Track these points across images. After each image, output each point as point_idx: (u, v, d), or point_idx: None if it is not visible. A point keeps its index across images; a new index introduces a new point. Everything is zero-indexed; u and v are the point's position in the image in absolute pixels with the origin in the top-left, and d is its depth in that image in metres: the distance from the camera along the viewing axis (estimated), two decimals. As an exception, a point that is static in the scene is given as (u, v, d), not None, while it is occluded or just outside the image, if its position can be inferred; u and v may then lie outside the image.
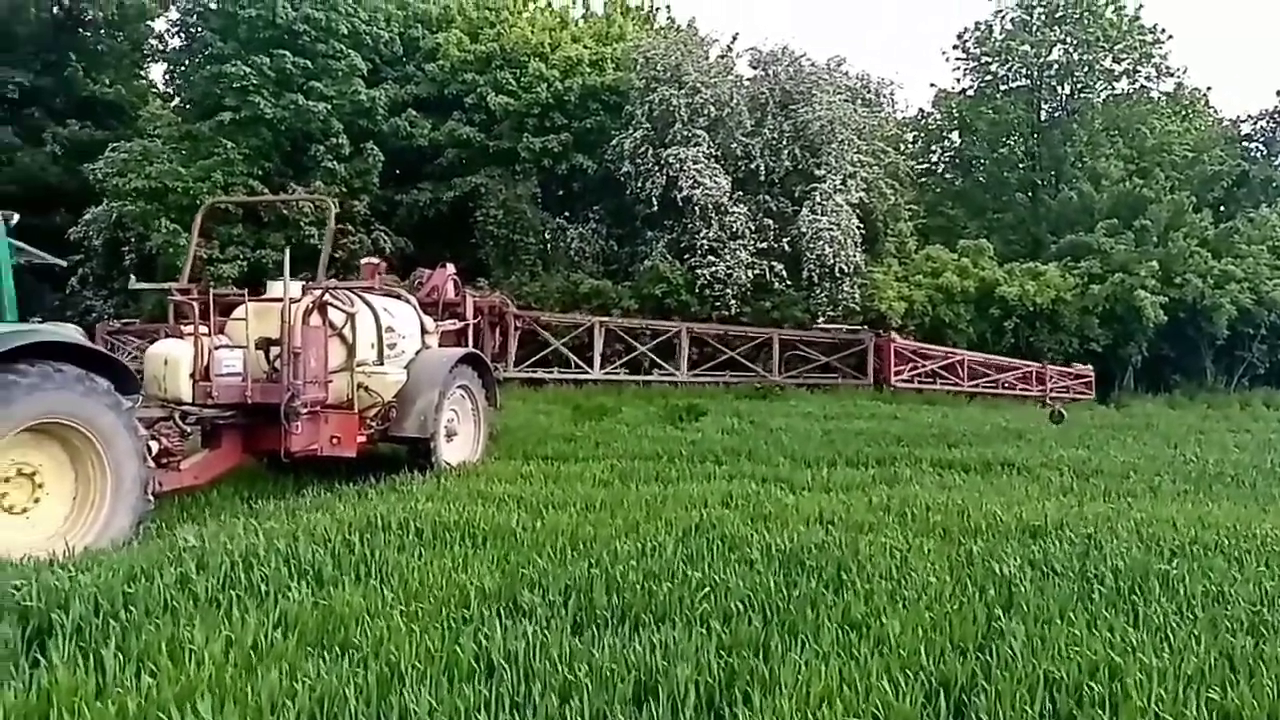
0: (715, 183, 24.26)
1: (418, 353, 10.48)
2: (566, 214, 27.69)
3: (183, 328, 8.97)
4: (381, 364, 9.76)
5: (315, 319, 8.85)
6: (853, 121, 25.89)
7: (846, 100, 26.39)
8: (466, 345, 11.95)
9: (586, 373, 21.78)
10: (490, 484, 8.83)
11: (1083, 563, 5.90)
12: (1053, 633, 4.53)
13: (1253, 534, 6.82)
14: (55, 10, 29.28)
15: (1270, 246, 30.91)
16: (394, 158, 27.10)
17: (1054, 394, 25.11)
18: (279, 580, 5.20)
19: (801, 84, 25.91)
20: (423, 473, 9.45)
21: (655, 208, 25.14)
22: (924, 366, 24.54)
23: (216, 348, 8.65)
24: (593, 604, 4.91)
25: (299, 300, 8.83)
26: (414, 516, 6.85)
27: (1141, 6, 36.04)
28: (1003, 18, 36.32)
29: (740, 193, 25.19)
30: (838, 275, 24.50)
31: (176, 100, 29.93)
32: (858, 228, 24.74)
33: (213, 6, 25.37)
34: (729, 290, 24.09)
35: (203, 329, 8.60)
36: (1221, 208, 34.71)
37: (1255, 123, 38.81)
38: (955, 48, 37.51)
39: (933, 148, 40.11)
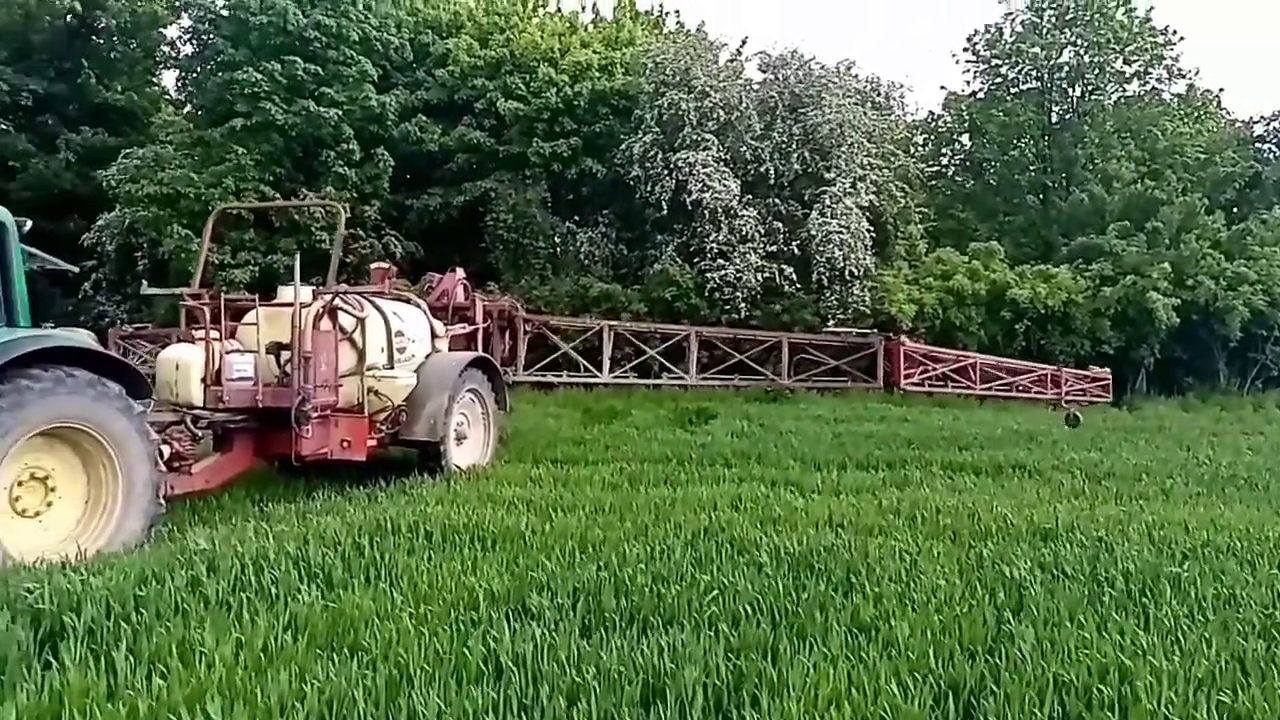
0: (725, 186, 24.27)
1: (428, 357, 10.50)
2: (576, 218, 27.73)
3: (194, 332, 9.01)
4: (391, 368, 9.79)
5: (326, 323, 8.88)
6: (862, 124, 25.87)
7: (856, 103, 26.36)
8: (476, 349, 11.97)
9: (596, 376, 21.80)
10: (500, 487, 8.85)
11: (1093, 566, 5.87)
12: (1062, 635, 4.51)
13: (1265, 536, 6.78)
14: (68, 18, 29.50)
15: (1283, 248, 30.74)
16: (404, 163, 27.22)
17: (1070, 397, 25.01)
18: (289, 583, 5.22)
19: (811, 87, 25.90)
20: (432, 476, 9.47)
21: (665, 211, 25.16)
22: (935, 370, 24.46)
23: (228, 352, 8.69)
24: (601, 607, 4.91)
25: (310, 305, 8.85)
26: (423, 520, 6.87)
27: (1153, 8, 36.10)
28: (1013, 20, 36.28)
29: (750, 196, 25.18)
30: (848, 278, 24.47)
31: (188, 107, 30.11)
32: (868, 231, 24.70)
33: (224, 14, 25.53)
34: (738, 293, 24.08)
35: (214, 334, 8.64)
36: (1234, 209, 34.52)
37: (1268, 124, 38.56)
38: (965, 50, 37.48)
39: (943, 150, 40.02)
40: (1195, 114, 38.13)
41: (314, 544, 6.02)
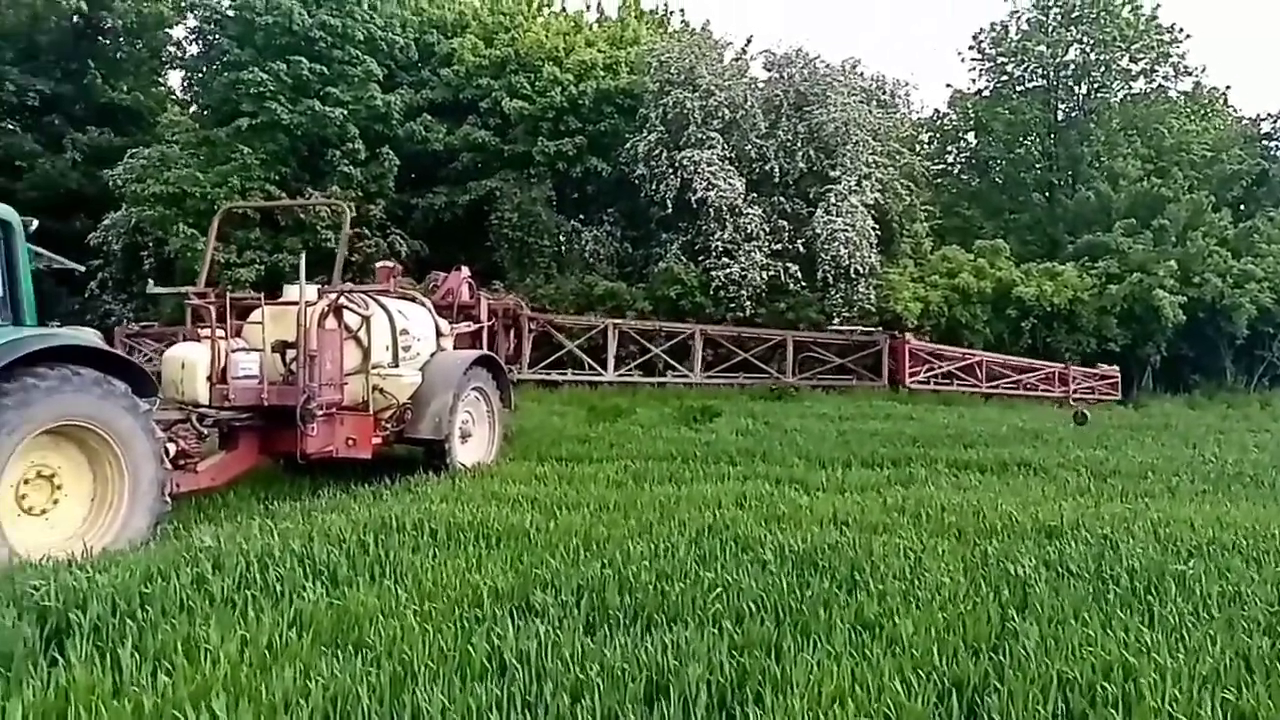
0: (729, 184, 24.27)
1: (433, 355, 10.53)
2: (581, 216, 27.75)
3: (200, 331, 9.05)
4: (396, 366, 9.82)
5: (331, 322, 8.91)
6: (868, 123, 25.86)
7: (861, 101, 26.37)
8: (481, 347, 12.00)
9: (601, 374, 21.81)
10: (504, 485, 8.86)
11: (1098, 563, 5.86)
12: (1067, 633, 4.51)
13: (1271, 534, 6.76)
14: (75, 19, 29.56)
15: (1290, 245, 30.64)
16: (409, 162, 27.25)
17: (1078, 395, 24.95)
18: (294, 580, 5.24)
19: (816, 86, 25.89)
20: (437, 474, 9.50)
21: (669, 210, 25.17)
22: (940, 368, 24.42)
23: (233, 351, 8.72)
24: (605, 604, 4.91)
25: (315, 303, 8.88)
26: (428, 517, 6.88)
27: (1159, 6, 35.86)
28: (1018, 18, 36.22)
29: (755, 194, 25.19)
30: (853, 276, 24.46)
31: (194, 106, 30.17)
32: (873, 229, 24.68)
33: (230, 14, 25.58)
34: (743, 292, 24.08)
35: (219, 332, 8.66)
36: (1241, 207, 34.45)
37: (1275, 121, 38.47)
38: (971, 48, 37.42)
39: (948, 148, 39.95)
40: (1202, 111, 38.00)
41: (319, 541, 6.04)
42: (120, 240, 25.31)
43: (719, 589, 5.15)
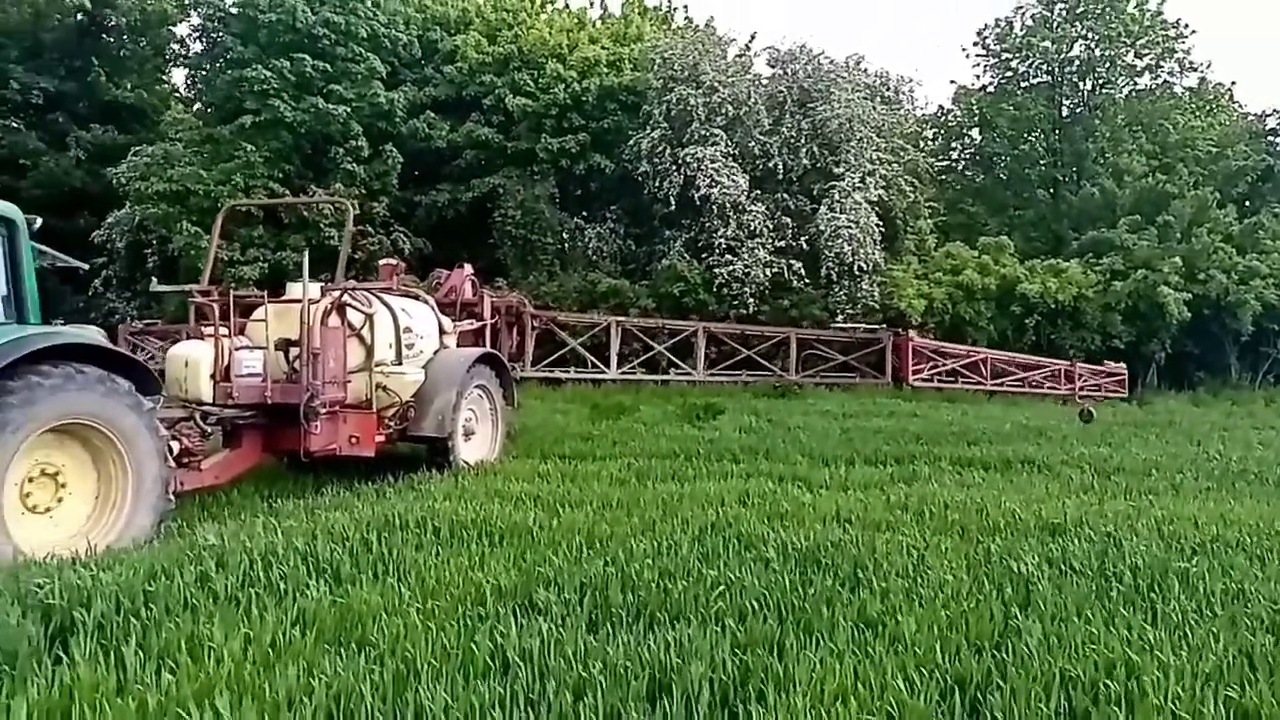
0: (733, 181, 24.25)
1: (436, 353, 10.53)
2: (584, 214, 27.75)
3: (203, 329, 9.05)
4: (400, 364, 9.81)
5: (334, 320, 8.90)
6: (872, 119, 25.83)
7: (865, 98, 26.34)
8: (484, 345, 11.98)
9: (604, 372, 21.82)
10: (507, 483, 8.86)
11: (1102, 561, 5.86)
12: (1070, 631, 4.51)
13: (1275, 531, 6.75)
14: (79, 16, 29.62)
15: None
16: (413, 159, 27.26)
17: (1085, 393, 24.90)
18: (297, 578, 5.24)
19: (820, 82, 25.87)
20: (440, 472, 9.49)
21: (673, 207, 25.16)
22: (944, 365, 24.40)
23: (237, 349, 8.72)
24: (608, 602, 4.91)
25: (318, 301, 8.88)
26: (431, 515, 6.89)
27: (1164, 1, 35.77)
28: (1023, 14, 36.19)
29: (758, 191, 25.16)
30: (856, 273, 24.44)
31: (198, 104, 30.24)
32: (877, 225, 24.67)
33: (233, 11, 25.61)
34: (747, 289, 24.07)
35: (223, 330, 8.67)
36: (1246, 203, 34.37)
37: (1280, 117, 38.39)
38: (975, 44, 37.43)
39: (953, 145, 39.93)
40: (1207, 107, 37.95)
41: (322, 539, 6.05)
42: (124, 238, 25.35)
43: (722, 587, 5.15)
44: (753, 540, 6.30)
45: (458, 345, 11.23)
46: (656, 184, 25.06)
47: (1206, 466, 10.89)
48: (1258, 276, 28.21)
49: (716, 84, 25.27)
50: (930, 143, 36.39)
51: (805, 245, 24.66)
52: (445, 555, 5.88)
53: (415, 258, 24.27)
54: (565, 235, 26.38)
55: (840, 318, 24.63)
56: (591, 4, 31.59)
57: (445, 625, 4.52)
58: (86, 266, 15.18)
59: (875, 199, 24.88)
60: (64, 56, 29.59)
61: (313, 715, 3.59)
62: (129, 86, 30.83)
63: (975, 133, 39.51)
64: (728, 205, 24.29)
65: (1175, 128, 35.30)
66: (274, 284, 13.16)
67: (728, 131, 25.29)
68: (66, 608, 4.57)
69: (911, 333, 24.07)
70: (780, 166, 25.26)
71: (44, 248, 7.84)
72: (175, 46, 32.35)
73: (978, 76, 38.00)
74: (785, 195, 25.63)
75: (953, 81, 45.02)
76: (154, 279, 15.91)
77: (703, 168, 24.22)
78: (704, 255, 24.84)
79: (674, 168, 24.71)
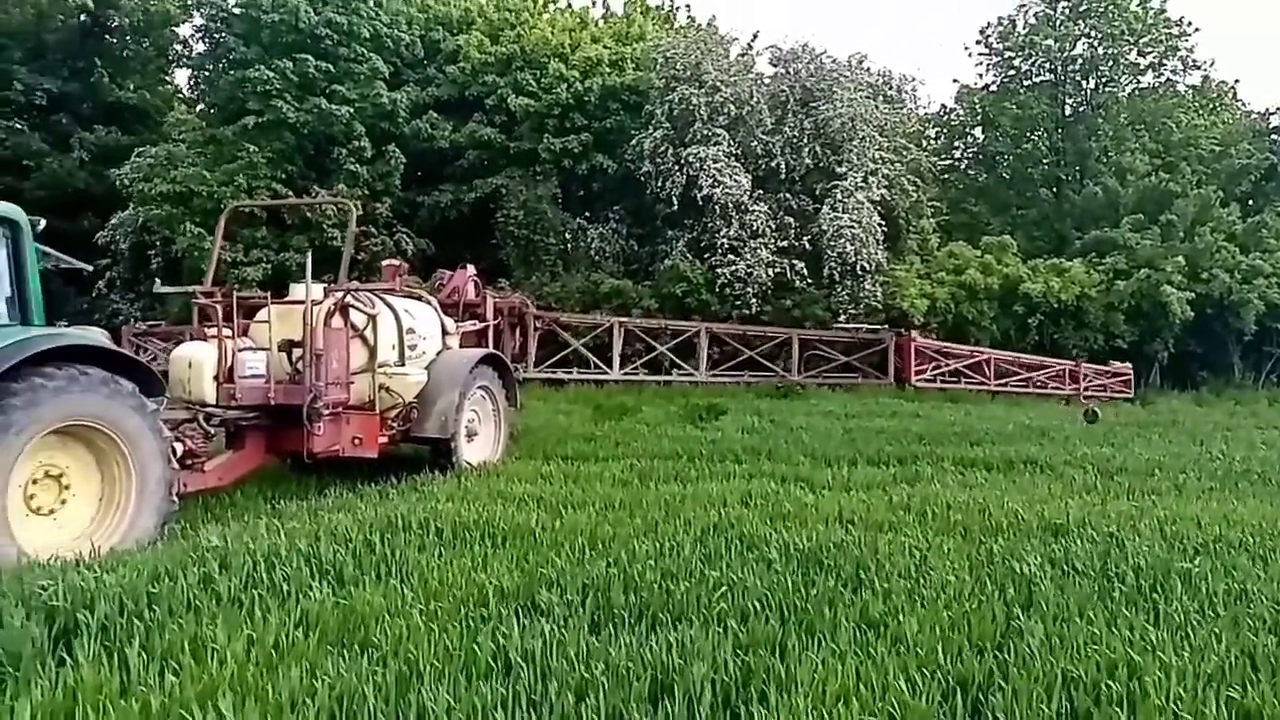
0: (735, 181, 24.23)
1: (438, 354, 10.54)
2: (587, 214, 27.74)
3: (207, 330, 9.06)
4: (403, 365, 9.83)
5: (337, 321, 8.92)
6: (874, 118, 25.80)
7: (868, 97, 26.32)
8: (487, 346, 12.00)
9: (606, 373, 21.82)
10: (510, 484, 8.87)
11: (1104, 561, 5.86)
12: (1072, 631, 4.51)
13: (1278, 531, 6.75)
14: (82, 17, 29.65)
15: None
16: (415, 160, 27.27)
17: (1090, 393, 24.86)
18: (300, 580, 5.26)
19: (822, 81, 25.85)
20: (443, 473, 9.51)
21: (675, 207, 25.15)
22: (947, 365, 24.37)
23: (240, 350, 8.74)
24: (610, 603, 4.92)
25: (321, 302, 8.89)
26: (434, 516, 6.90)
27: (1167, -1, 35.71)
28: (1026, 12, 36.15)
29: (761, 191, 25.14)
30: (859, 273, 24.41)
31: (201, 105, 30.23)
32: (879, 225, 24.64)
33: (236, 12, 25.60)
34: (749, 289, 24.06)
35: (226, 331, 8.69)
36: (1249, 202, 34.30)
37: (1284, 115, 38.29)
38: (978, 43, 37.40)
39: (955, 144, 39.88)
40: (1210, 106, 37.88)
41: (325, 541, 6.06)
42: (127, 239, 25.39)
43: (724, 588, 5.16)
44: (755, 541, 6.31)
45: (460, 346, 11.24)
46: (659, 184, 25.05)
47: (1209, 467, 10.89)
48: (1261, 275, 28.16)
49: (719, 83, 25.25)
50: (933, 142, 36.36)
51: (808, 245, 24.64)
52: (448, 556, 5.89)
53: (418, 258, 24.27)
54: (568, 236, 26.37)
55: (843, 318, 24.60)
56: (594, 3, 31.63)
57: (448, 626, 4.54)
58: (90, 268, 15.17)
59: (878, 198, 24.85)
60: (67, 57, 29.63)
61: (315, 716, 3.60)
62: (132, 87, 30.87)
63: (978, 132, 39.45)
64: (730, 205, 24.27)
65: (1178, 126, 35.24)
66: (277, 285, 13.17)
67: (730, 131, 25.28)
68: (70, 609, 4.58)
69: (914, 333, 24.05)
70: (783, 166, 25.25)
71: (47, 249, 7.84)
72: (178, 47, 32.36)
73: (980, 75, 38.02)
74: (788, 195, 25.61)
75: (955, 80, 45.14)
76: (157, 280, 15.96)
77: (705, 167, 24.20)
78: (706, 255, 24.82)
79: (676, 168, 24.70)
